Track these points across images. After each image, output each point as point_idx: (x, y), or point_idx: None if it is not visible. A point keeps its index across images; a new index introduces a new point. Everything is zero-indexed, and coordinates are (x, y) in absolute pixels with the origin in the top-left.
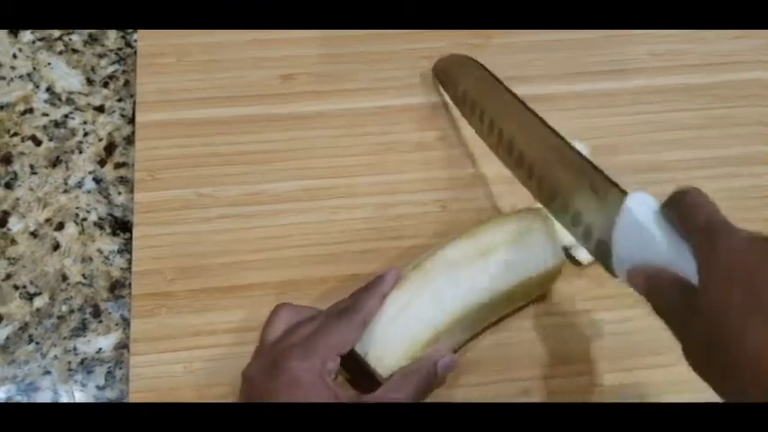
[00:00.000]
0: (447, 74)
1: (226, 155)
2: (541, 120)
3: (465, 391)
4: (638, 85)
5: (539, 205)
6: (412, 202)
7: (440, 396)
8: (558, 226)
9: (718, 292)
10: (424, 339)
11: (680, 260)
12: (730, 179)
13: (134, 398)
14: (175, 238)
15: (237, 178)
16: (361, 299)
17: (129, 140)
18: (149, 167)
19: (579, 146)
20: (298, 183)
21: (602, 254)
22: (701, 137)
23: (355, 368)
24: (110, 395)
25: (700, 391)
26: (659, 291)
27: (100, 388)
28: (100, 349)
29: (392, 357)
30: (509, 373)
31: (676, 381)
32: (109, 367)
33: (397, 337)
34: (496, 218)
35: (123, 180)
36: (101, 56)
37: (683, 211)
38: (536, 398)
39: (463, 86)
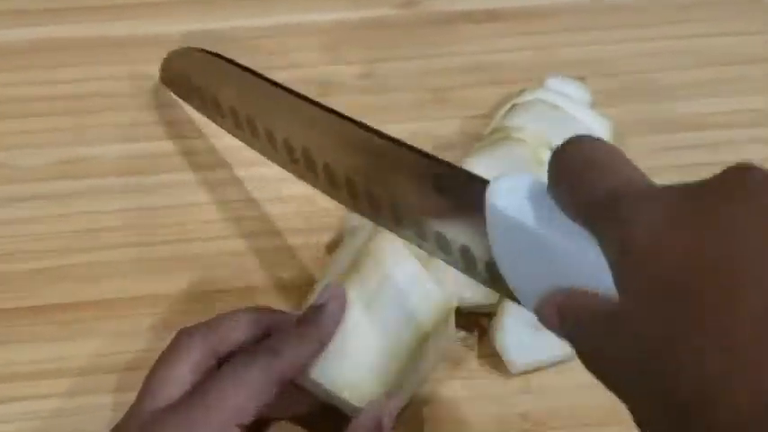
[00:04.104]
0: (186, 80)
1: (25, 101)
2: (341, 115)
3: None
4: None
5: None
6: None
7: None
8: None
9: (639, 304)
10: (403, 351)
11: (590, 266)
12: None
13: None
14: None
15: (45, 138)
16: (287, 340)
17: None
18: None
19: (573, 87)
20: (138, 146)
21: (498, 282)
22: (763, 76)
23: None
24: None
25: None
26: (574, 322)
27: None
28: None
29: (367, 381)
30: None
31: None
32: None
33: (370, 353)
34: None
35: None
36: None
37: (568, 183)
38: None
39: (222, 97)
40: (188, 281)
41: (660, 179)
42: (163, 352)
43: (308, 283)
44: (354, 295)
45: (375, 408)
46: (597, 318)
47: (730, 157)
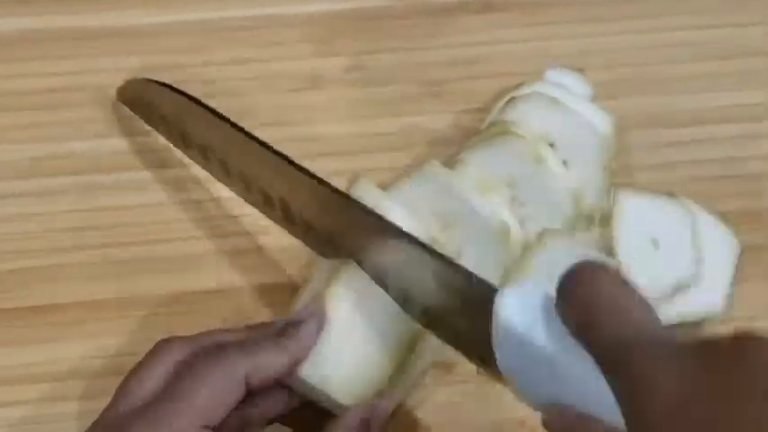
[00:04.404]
0: (147, 104)
1: (5, 95)
2: (320, 180)
3: None
4: None
5: None
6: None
7: None
8: None
9: None
10: (395, 349)
11: (597, 392)
12: None
13: None
14: None
15: (26, 134)
16: (260, 343)
17: None
18: None
19: (573, 79)
20: (125, 142)
21: (489, 367)
22: (765, 69)
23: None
24: None
25: None
26: None
27: None
28: None
29: (357, 380)
30: None
31: None
32: None
33: (360, 350)
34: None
35: None
36: None
37: (578, 316)
38: None
39: (190, 131)
40: (169, 282)
41: (663, 176)
42: (140, 360)
43: (292, 285)
44: (344, 292)
45: (363, 408)
46: None
47: (733, 153)
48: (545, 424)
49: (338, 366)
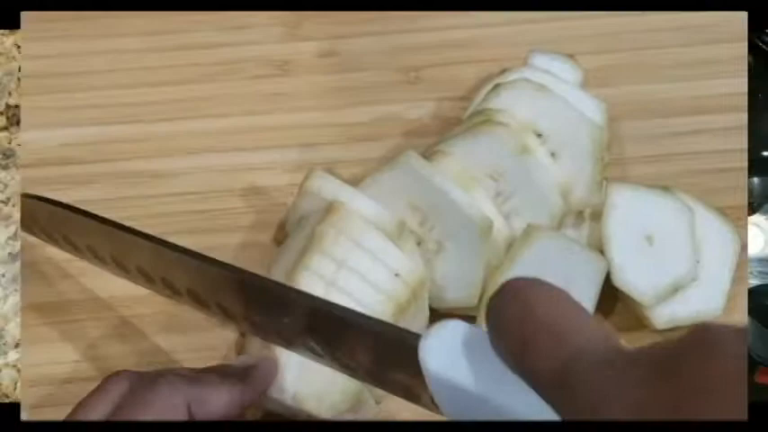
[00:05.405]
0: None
1: None
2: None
3: None
4: None
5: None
6: (271, 165)
7: None
8: None
9: None
10: None
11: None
12: None
13: None
14: None
15: None
16: (203, 376)
17: None
18: None
19: (561, 65)
20: (63, 132)
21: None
22: None
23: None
24: None
25: None
26: None
27: None
28: None
29: (333, 391)
30: None
31: None
32: None
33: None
34: None
35: None
36: None
37: (510, 346)
38: None
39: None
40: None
41: (657, 168)
42: (85, 397)
43: None
44: (309, 288)
45: None
46: None
47: (731, 145)
48: None
49: (308, 381)
